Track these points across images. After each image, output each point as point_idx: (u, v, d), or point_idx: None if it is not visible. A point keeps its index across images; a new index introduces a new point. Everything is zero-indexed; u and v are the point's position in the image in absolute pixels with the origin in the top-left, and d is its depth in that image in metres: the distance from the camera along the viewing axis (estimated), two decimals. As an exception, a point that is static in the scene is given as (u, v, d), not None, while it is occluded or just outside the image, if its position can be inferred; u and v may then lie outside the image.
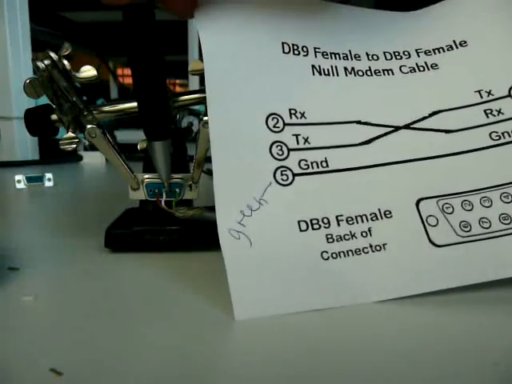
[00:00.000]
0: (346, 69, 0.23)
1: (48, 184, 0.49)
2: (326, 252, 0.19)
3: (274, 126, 0.21)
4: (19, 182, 0.47)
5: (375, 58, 0.24)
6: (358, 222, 0.20)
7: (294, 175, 0.21)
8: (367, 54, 0.24)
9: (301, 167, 0.21)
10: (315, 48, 0.23)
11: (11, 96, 0.70)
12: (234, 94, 0.21)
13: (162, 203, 0.25)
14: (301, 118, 0.22)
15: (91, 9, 1.53)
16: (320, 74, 0.23)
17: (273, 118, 0.21)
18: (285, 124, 0.21)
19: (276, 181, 0.21)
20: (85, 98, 0.25)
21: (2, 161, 0.68)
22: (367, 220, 0.20)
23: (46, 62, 0.22)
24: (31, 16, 0.74)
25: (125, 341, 0.16)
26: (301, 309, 0.18)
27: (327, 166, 0.21)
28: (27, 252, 0.25)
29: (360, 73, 0.23)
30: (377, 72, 0.24)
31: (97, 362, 0.14)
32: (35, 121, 0.25)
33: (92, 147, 0.75)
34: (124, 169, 0.25)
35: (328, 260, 0.19)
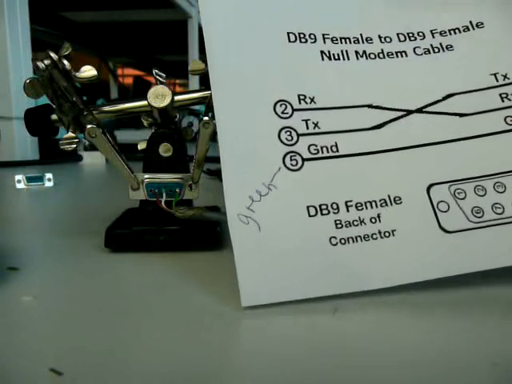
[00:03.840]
0: (357, 52, 0.23)
1: (48, 184, 0.49)
2: (335, 238, 0.19)
3: (283, 112, 0.21)
4: (19, 181, 0.47)
5: (388, 40, 0.24)
6: (367, 208, 0.20)
7: (304, 160, 0.21)
8: (379, 37, 0.24)
9: (310, 152, 0.21)
10: (324, 34, 0.23)
11: (11, 96, 0.70)
12: (240, 83, 0.21)
13: (162, 203, 0.25)
14: (310, 103, 0.22)
15: (91, 9, 1.53)
16: (330, 59, 0.23)
17: (281, 105, 0.21)
18: (294, 110, 0.21)
19: (285, 166, 0.21)
20: (85, 97, 0.25)
21: (1, 161, 0.68)
22: (376, 206, 0.20)
23: (46, 61, 0.22)
24: (31, 16, 0.74)
25: (125, 340, 0.16)
26: (308, 295, 0.18)
27: (337, 150, 0.21)
28: (27, 252, 0.25)
29: (372, 56, 0.23)
30: (389, 54, 0.23)
31: (97, 362, 0.14)
32: (35, 121, 0.25)
33: (92, 147, 0.75)
34: (124, 169, 0.25)
35: (336, 246, 0.19)
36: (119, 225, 0.25)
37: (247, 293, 0.18)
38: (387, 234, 0.20)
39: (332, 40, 0.23)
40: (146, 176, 0.26)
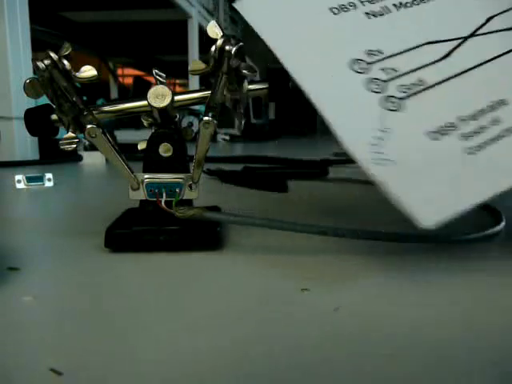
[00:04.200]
0: (394, 5, 0.25)
1: (48, 184, 0.49)
2: (469, 148, 0.21)
3: (360, 69, 0.23)
4: (19, 181, 0.47)
5: None
6: (482, 116, 0.22)
7: (400, 99, 0.22)
8: None
9: (403, 92, 0.23)
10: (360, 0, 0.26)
11: (11, 96, 0.70)
12: (313, 55, 0.24)
13: (162, 203, 0.25)
14: (379, 54, 0.24)
15: (91, 9, 1.54)
16: (375, 16, 0.25)
17: (354, 63, 0.23)
18: (368, 63, 0.23)
19: (388, 109, 0.22)
20: (85, 97, 0.25)
21: (1, 161, 0.68)
22: (490, 111, 0.22)
23: (46, 61, 0.22)
24: (31, 16, 0.74)
25: (125, 341, 0.16)
26: (472, 202, 0.20)
27: (425, 83, 0.23)
28: (27, 252, 0.25)
29: (408, 4, 0.25)
30: (421, 0, 0.26)
31: (97, 362, 0.14)
32: (35, 121, 0.26)
33: (92, 147, 0.75)
34: (124, 169, 0.25)
35: (475, 154, 0.21)
36: (119, 225, 0.26)
37: (422, 213, 0.20)
38: None
39: (369, 1, 0.25)
40: (146, 176, 0.26)
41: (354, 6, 0.25)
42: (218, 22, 0.23)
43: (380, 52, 0.23)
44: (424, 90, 0.23)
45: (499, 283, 0.21)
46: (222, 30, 0.23)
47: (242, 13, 0.22)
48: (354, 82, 0.23)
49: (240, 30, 2.66)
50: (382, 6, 0.25)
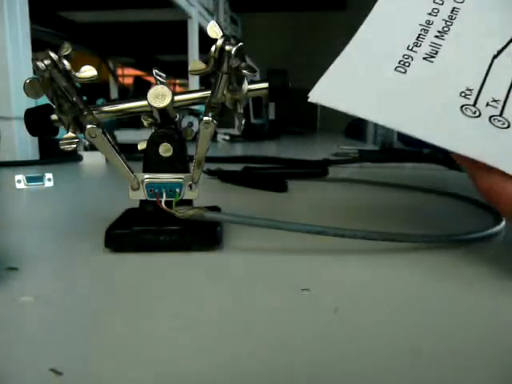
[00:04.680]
0: (437, 37, 0.25)
1: (48, 184, 0.49)
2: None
3: (472, 113, 0.22)
4: (19, 181, 0.47)
5: None
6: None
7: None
8: None
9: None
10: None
11: (11, 96, 0.70)
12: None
13: (162, 203, 0.25)
14: (472, 92, 0.23)
15: (91, 9, 1.54)
16: (432, 57, 0.24)
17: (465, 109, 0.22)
18: (474, 105, 0.23)
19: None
20: (85, 97, 0.25)
21: (1, 161, 0.68)
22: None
23: (46, 62, 0.22)
24: (31, 16, 0.74)
25: (125, 341, 0.16)
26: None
27: None
28: (27, 252, 0.25)
29: (446, 30, 0.25)
30: None
31: (97, 362, 0.14)
32: (35, 121, 0.25)
33: (92, 147, 0.75)
34: (124, 169, 0.25)
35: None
36: (119, 225, 0.26)
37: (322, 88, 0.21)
38: None
39: (416, 45, 0.25)
40: (146, 176, 0.26)
41: (410, 57, 0.24)
42: (217, 22, 0.23)
43: (470, 89, 0.23)
44: None
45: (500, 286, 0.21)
46: (222, 29, 0.23)
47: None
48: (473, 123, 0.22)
49: (240, 29, 2.67)
50: (429, 44, 0.24)
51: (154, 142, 0.26)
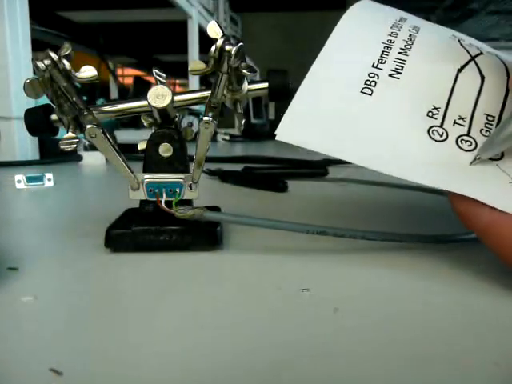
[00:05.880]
0: (402, 49, 0.25)
1: (48, 184, 0.49)
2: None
3: (440, 136, 0.22)
4: (19, 181, 0.47)
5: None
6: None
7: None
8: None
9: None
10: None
11: (11, 96, 0.70)
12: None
13: (162, 203, 0.25)
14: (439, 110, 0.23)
15: (91, 9, 1.54)
16: (398, 73, 0.24)
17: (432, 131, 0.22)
18: (441, 127, 0.22)
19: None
20: (85, 97, 0.25)
21: (1, 161, 0.68)
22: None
23: (46, 62, 0.22)
24: (31, 16, 0.74)
25: (125, 341, 0.16)
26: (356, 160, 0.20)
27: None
28: (27, 252, 0.25)
29: (408, 45, 0.25)
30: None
31: (97, 362, 0.14)
32: (35, 121, 0.25)
33: (92, 147, 0.76)
34: (124, 169, 0.25)
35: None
36: (119, 225, 0.26)
37: (287, 126, 0.21)
38: None
39: (381, 62, 0.25)
40: (146, 176, 0.26)
41: (376, 75, 0.24)
42: (217, 22, 0.23)
43: (436, 107, 0.22)
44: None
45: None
46: (222, 29, 0.23)
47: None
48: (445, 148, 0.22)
49: (240, 29, 2.67)
50: (394, 60, 0.24)
51: (153, 142, 0.26)
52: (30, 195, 0.45)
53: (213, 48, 0.23)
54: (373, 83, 0.23)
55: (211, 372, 0.14)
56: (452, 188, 0.20)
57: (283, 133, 0.21)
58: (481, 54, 0.24)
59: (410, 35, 0.25)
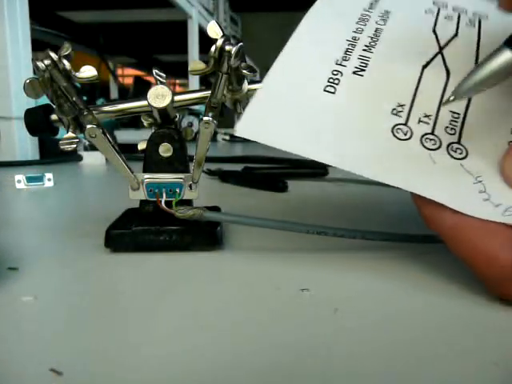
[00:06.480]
0: (367, 46, 0.24)
1: (48, 184, 0.49)
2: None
3: (405, 134, 0.22)
4: (19, 181, 0.47)
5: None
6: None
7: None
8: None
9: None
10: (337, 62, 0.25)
11: (11, 96, 0.70)
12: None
13: (162, 203, 0.25)
14: (403, 107, 0.23)
15: (91, 9, 1.54)
16: (362, 70, 0.24)
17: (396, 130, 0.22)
18: (406, 125, 0.22)
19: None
20: (85, 97, 0.25)
21: (1, 161, 0.68)
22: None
23: (46, 62, 0.22)
24: (31, 16, 0.74)
25: (125, 341, 0.16)
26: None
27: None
28: (27, 252, 0.25)
29: (373, 42, 0.25)
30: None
31: (97, 363, 0.14)
32: (35, 121, 0.25)
33: (92, 147, 0.76)
34: (124, 169, 0.25)
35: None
36: (119, 225, 0.26)
37: (248, 122, 0.20)
38: None
39: (344, 59, 0.24)
40: (146, 176, 0.26)
41: (339, 72, 0.23)
42: (217, 22, 0.23)
43: (401, 105, 0.22)
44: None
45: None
46: (222, 29, 0.23)
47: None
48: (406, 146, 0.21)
49: (240, 29, 2.67)
50: (358, 57, 0.23)
51: (153, 142, 0.26)
52: (29, 195, 0.45)
53: (213, 48, 0.23)
54: (336, 81, 0.22)
55: (211, 372, 0.14)
56: (416, 190, 0.19)
57: (243, 129, 0.21)
58: (455, 36, 0.24)
59: (376, 29, 0.24)
